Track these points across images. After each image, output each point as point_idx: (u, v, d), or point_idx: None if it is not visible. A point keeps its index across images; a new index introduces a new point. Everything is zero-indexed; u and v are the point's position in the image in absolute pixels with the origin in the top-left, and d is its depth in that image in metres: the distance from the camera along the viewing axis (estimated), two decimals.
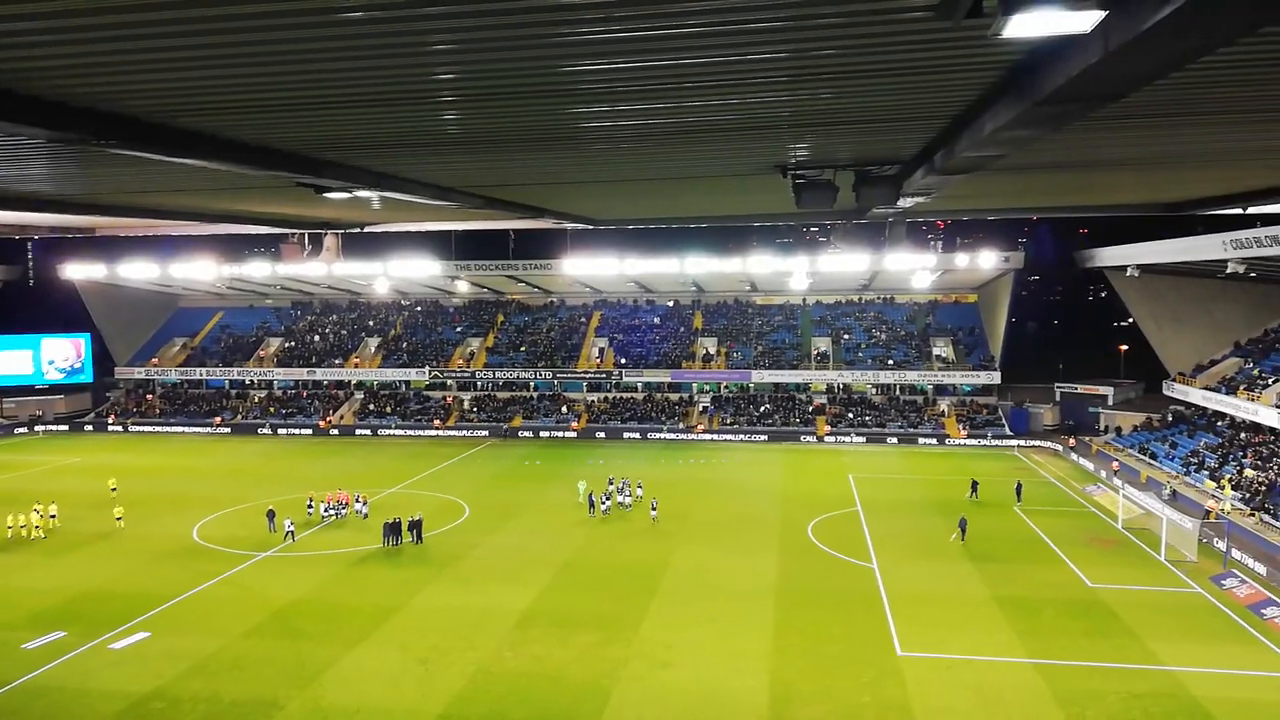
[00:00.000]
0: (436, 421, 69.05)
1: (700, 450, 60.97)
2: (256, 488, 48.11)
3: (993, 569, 33.10)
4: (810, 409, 67.54)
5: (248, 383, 76.79)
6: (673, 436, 65.08)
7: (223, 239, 66.30)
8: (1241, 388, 48.14)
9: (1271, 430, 45.66)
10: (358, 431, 68.98)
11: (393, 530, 36.33)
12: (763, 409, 67.94)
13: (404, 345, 76.38)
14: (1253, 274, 46.82)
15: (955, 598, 29.89)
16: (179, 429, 70.94)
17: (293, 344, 78.11)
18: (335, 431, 68.98)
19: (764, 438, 64.25)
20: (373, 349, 76.55)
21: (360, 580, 32.15)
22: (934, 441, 62.17)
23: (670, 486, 47.63)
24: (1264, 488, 40.90)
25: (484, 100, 10.14)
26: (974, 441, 61.74)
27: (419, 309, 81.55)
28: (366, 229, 30.24)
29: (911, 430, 63.59)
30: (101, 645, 25.66)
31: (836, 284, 72.75)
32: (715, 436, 64.84)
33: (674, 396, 70.98)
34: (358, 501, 41.77)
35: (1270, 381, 47.14)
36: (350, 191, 15.34)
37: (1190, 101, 10.28)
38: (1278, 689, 23.01)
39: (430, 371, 72.36)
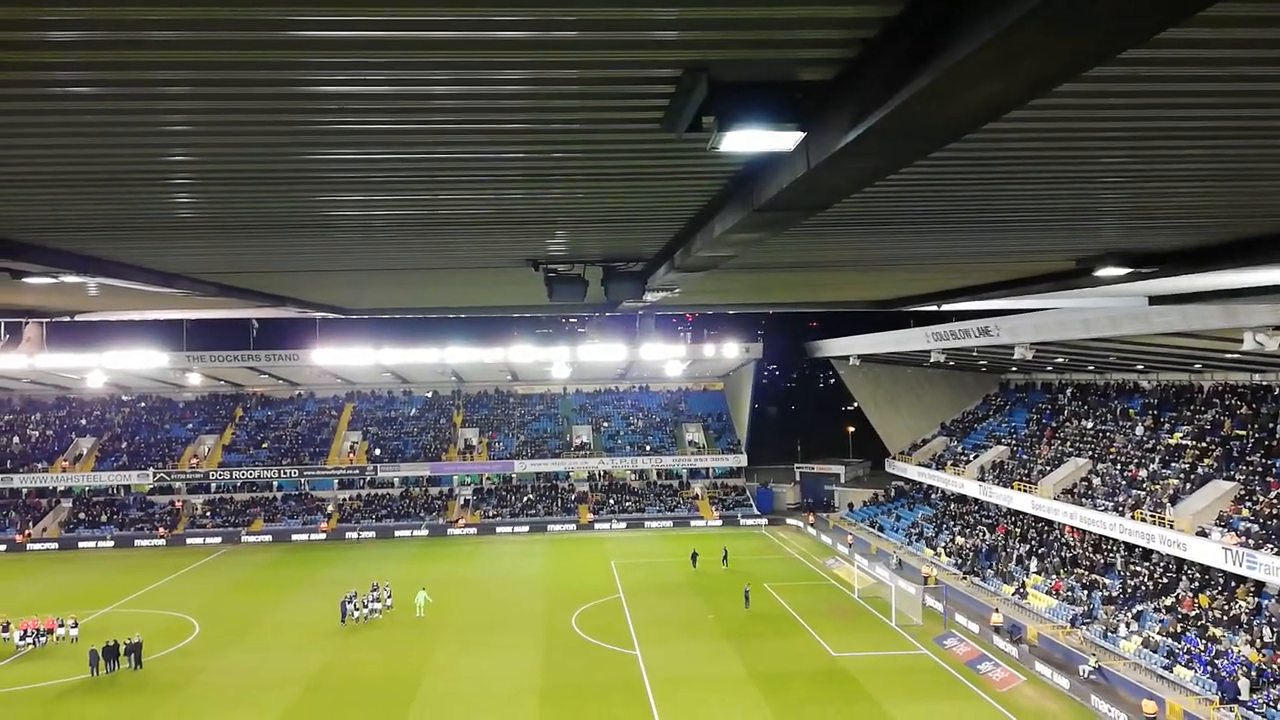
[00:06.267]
0: (162, 529, 62.19)
1: (462, 545, 59.22)
2: None
3: (746, 645, 34.50)
4: (573, 497, 67.92)
5: None
6: (431, 533, 62.77)
7: None
8: (949, 464, 54.28)
9: (975, 501, 51.66)
10: (66, 545, 60.54)
11: (105, 656, 31.95)
12: (525, 499, 67.42)
13: (124, 445, 68.62)
14: (951, 362, 53.49)
15: (714, 678, 30.78)
16: None
17: None
18: (37, 546, 60.09)
19: (527, 528, 63.57)
20: (85, 450, 68.13)
21: (64, 718, 27.86)
22: (690, 524, 64.40)
23: (429, 585, 45.69)
24: (972, 553, 45.97)
25: (223, 185, 9.62)
26: (726, 522, 64.62)
27: (143, 405, 73.92)
28: (78, 317, 27.21)
29: (669, 514, 65.61)
30: None
31: (595, 373, 74.48)
32: (477, 530, 63.31)
33: (434, 490, 68.82)
34: (61, 626, 36.44)
35: (971, 458, 53.54)
36: (56, 277, 13.83)
37: (886, 213, 11.78)
38: None
39: (155, 473, 65.31)
